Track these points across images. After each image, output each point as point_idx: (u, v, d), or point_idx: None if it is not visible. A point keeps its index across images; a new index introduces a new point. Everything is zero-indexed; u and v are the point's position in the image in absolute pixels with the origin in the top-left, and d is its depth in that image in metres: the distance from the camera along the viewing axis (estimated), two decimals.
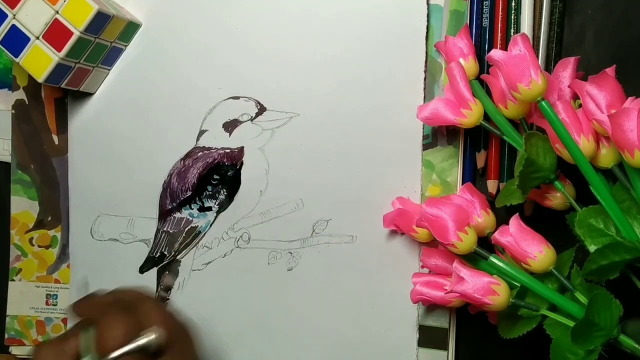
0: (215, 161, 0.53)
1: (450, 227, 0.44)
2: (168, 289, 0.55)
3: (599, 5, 0.50)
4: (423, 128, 0.50)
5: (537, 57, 0.49)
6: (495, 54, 0.42)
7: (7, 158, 0.57)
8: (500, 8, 0.49)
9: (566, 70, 0.46)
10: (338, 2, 0.51)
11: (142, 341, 0.38)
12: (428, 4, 0.50)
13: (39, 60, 0.49)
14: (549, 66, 0.49)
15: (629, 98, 0.42)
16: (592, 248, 0.42)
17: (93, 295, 0.44)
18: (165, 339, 0.38)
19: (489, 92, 0.48)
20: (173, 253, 0.54)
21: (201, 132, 0.53)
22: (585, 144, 0.42)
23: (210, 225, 0.54)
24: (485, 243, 0.46)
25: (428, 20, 0.50)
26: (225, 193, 0.53)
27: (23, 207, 0.56)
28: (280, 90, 0.52)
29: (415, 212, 0.48)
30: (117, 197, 0.55)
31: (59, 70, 0.49)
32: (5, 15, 0.49)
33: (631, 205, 0.43)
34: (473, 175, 0.51)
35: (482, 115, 0.47)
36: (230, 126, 0.53)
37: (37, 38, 0.48)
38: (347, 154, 0.51)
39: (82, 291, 0.50)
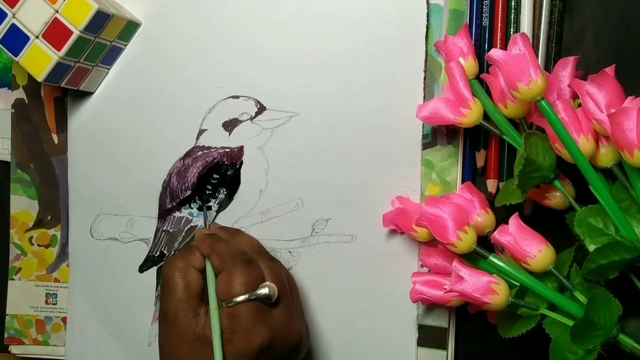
0: (215, 160, 0.53)
1: (449, 226, 0.44)
2: None
3: (599, 5, 0.50)
4: (423, 127, 0.51)
5: (537, 56, 0.49)
6: (495, 53, 0.42)
7: (7, 157, 0.57)
8: (500, 7, 0.49)
9: (566, 69, 0.46)
10: (338, 2, 0.51)
11: (259, 292, 0.45)
12: (428, 3, 0.50)
13: (39, 59, 0.49)
14: (549, 65, 0.49)
15: (629, 97, 0.42)
16: (591, 247, 0.42)
17: (217, 236, 0.49)
18: (277, 294, 0.45)
19: (488, 92, 0.48)
20: (173, 252, 0.54)
21: (201, 132, 0.53)
22: (584, 143, 0.42)
23: (210, 224, 0.54)
24: (485, 242, 0.46)
25: (428, 20, 0.50)
26: (225, 192, 0.53)
27: (22, 206, 0.56)
28: (279, 89, 0.52)
29: (415, 212, 0.48)
30: (117, 196, 0.55)
31: (59, 70, 0.49)
32: (5, 15, 0.49)
33: (630, 204, 0.43)
34: (473, 175, 0.51)
35: (482, 115, 0.47)
36: (230, 125, 0.53)
37: (37, 37, 0.48)
38: (346, 153, 0.51)
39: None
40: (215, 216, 0.54)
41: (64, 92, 0.55)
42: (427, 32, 0.50)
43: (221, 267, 0.46)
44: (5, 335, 0.57)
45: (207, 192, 0.53)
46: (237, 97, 0.53)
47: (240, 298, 0.44)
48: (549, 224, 0.47)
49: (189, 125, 0.53)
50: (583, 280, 0.43)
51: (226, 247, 0.47)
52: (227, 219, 0.53)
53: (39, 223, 0.56)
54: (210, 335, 0.44)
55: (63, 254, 0.56)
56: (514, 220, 0.44)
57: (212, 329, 0.44)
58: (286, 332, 0.46)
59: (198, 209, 0.54)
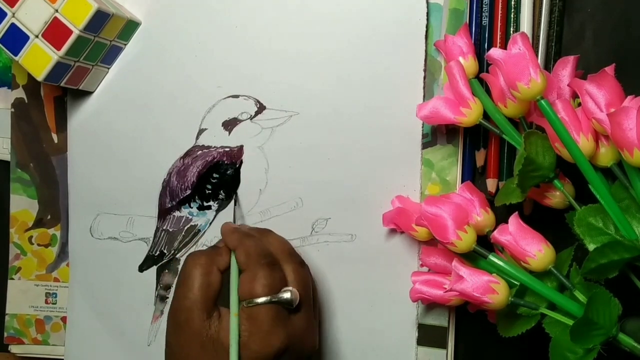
0: (215, 160, 0.53)
1: (449, 225, 0.44)
2: (168, 287, 0.55)
3: (599, 4, 0.50)
4: (422, 127, 0.51)
5: (537, 55, 0.49)
6: (495, 52, 0.42)
7: (7, 157, 0.57)
8: (500, 7, 0.49)
9: (565, 69, 0.46)
10: (337, 1, 0.51)
11: (282, 296, 0.44)
12: (428, 2, 0.50)
13: (39, 58, 0.49)
14: (549, 65, 0.49)
15: (628, 97, 0.42)
16: (591, 247, 0.42)
17: (245, 231, 0.48)
18: (298, 300, 0.45)
19: (488, 91, 0.48)
20: (172, 252, 0.55)
21: (201, 131, 0.53)
22: (584, 142, 0.42)
23: (210, 224, 0.54)
24: (485, 242, 0.46)
25: (428, 19, 0.50)
26: (224, 192, 0.53)
27: (22, 205, 0.56)
28: (279, 88, 0.52)
29: (415, 211, 0.49)
30: (117, 196, 0.55)
31: (59, 69, 0.49)
32: (5, 14, 0.49)
33: (630, 204, 0.43)
34: (472, 174, 0.51)
35: (482, 114, 0.47)
36: (229, 125, 0.53)
37: (37, 37, 0.48)
38: (346, 153, 0.51)
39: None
40: (215, 216, 0.54)
41: (63, 92, 0.55)
42: (427, 31, 0.50)
43: (245, 265, 0.45)
44: (5, 334, 0.57)
45: (207, 192, 0.53)
46: (236, 96, 0.53)
47: (262, 299, 0.43)
48: (549, 223, 0.47)
49: (189, 125, 0.53)
50: (583, 279, 0.43)
51: (254, 244, 0.46)
52: (227, 218, 0.53)
53: (39, 222, 0.56)
54: (224, 338, 0.43)
55: (63, 254, 0.56)
56: (513, 220, 0.44)
57: (230, 333, 0.43)
58: (302, 340, 0.45)
59: (198, 208, 0.54)
